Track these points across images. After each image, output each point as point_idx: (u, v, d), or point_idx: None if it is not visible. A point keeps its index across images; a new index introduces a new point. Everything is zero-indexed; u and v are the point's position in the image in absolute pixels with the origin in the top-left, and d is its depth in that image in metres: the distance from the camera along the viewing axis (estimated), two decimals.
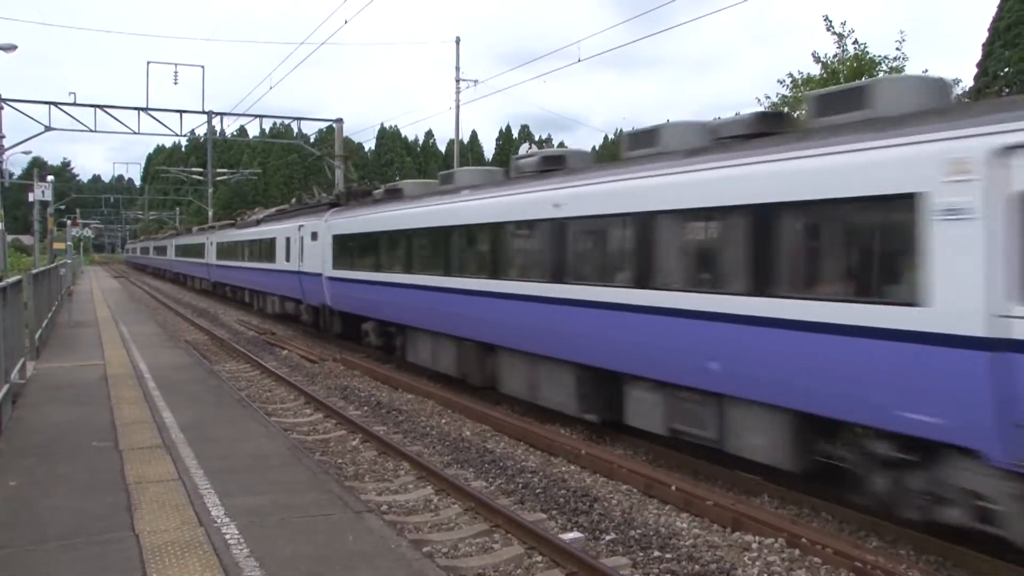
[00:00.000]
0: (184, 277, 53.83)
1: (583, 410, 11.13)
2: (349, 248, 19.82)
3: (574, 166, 12.45)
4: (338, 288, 20.40)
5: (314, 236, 22.31)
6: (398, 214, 16.96)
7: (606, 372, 10.53)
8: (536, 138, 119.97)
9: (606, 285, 10.36)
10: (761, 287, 8.11)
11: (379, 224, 17.90)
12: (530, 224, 12.13)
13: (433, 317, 15.07)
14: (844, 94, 8.33)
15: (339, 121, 38.41)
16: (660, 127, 10.58)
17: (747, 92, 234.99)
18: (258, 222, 31.44)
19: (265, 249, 28.16)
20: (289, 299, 25.72)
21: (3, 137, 36.00)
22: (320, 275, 21.51)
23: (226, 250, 36.52)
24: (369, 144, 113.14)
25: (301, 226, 23.76)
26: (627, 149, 11.01)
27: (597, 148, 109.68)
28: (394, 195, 18.63)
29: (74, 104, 33.36)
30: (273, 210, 33.18)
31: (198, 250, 45.49)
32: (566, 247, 11.23)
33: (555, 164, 12.74)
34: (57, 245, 55.11)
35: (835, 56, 21.41)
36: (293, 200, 31.77)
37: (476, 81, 34.53)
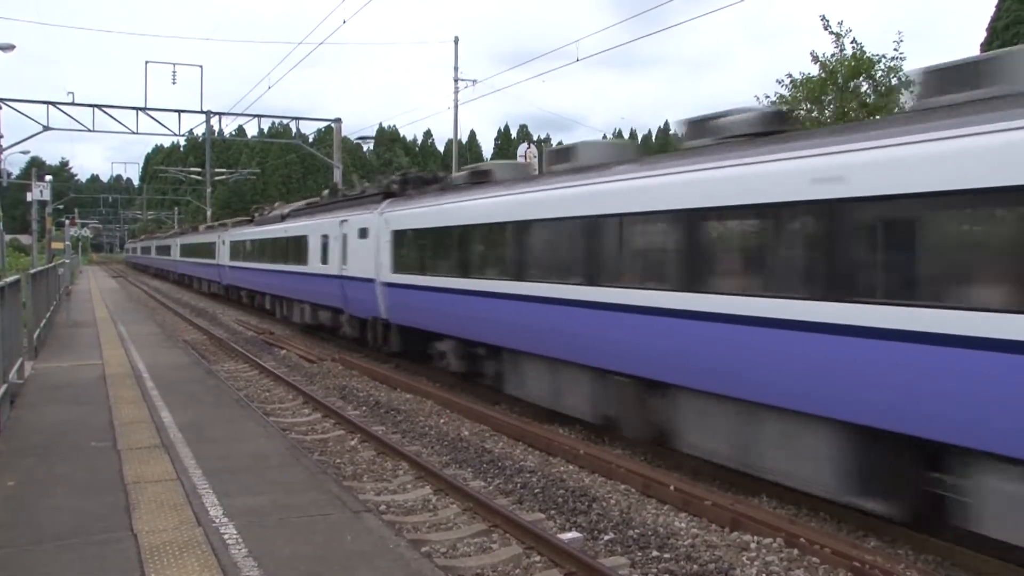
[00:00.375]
0: (190, 279, 49.77)
1: (855, 491, 7.42)
2: (418, 247, 15.96)
3: (794, 127, 9.02)
4: (400, 297, 16.59)
5: (362, 233, 18.58)
6: (497, 202, 13.00)
7: (917, 441, 6.81)
8: (535, 138, 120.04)
9: (965, 308, 6.41)
10: None
11: (466, 215, 13.95)
12: (763, 211, 8.14)
13: (559, 340, 11.26)
14: None
15: (338, 121, 38.48)
16: (1004, 54, 7.14)
17: (746, 92, 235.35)
18: (283, 217, 27.38)
19: (294, 249, 24.32)
20: (325, 308, 21.86)
21: (1, 137, 36.04)
22: (372, 281, 17.76)
23: (243, 250, 32.54)
24: (368, 144, 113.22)
25: (344, 221, 19.97)
26: (928, 94, 7.45)
27: None
28: (481, 179, 14.82)
29: (72, 104, 33.42)
30: (302, 203, 29.17)
31: (208, 250, 41.10)
32: (849, 245, 7.29)
33: (779, 124, 9.20)
34: (55, 245, 55.08)
35: (833, 56, 21.48)
36: (325, 192, 27.55)
37: (475, 81, 34.59)
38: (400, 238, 16.70)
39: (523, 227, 12.14)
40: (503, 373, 13.23)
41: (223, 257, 36.75)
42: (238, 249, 33.67)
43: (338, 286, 20.12)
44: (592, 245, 10.60)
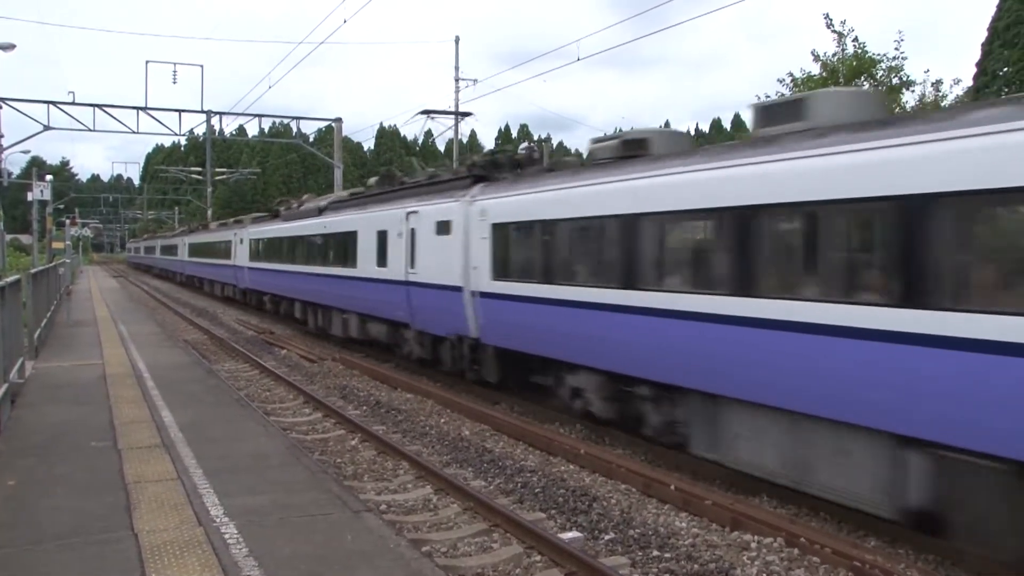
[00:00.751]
0: (200, 281, 45.69)
1: None
2: (541, 245, 12.00)
3: None
4: (504, 312, 12.90)
5: (442, 227, 14.90)
6: (696, 179, 9.04)
7: None
8: (535, 137, 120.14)
9: None
10: None
11: (637, 200, 9.94)
12: None
13: (823, 389, 7.48)
14: None
15: (338, 120, 38.56)
16: None
17: (746, 92, 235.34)
18: (320, 211, 23.13)
19: (337, 247, 20.64)
20: (379, 320, 18.13)
21: (2, 136, 36.10)
22: (459, 289, 14.14)
23: (267, 249, 28.51)
24: (368, 144, 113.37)
25: (412, 212, 16.17)
26: None
27: None
28: (636, 150, 10.94)
29: (73, 103, 33.63)
30: (345, 193, 25.31)
31: (222, 249, 36.75)
32: None
33: None
34: (56, 244, 55.13)
35: (834, 55, 21.53)
36: (372, 181, 23.00)
37: (475, 80, 34.73)
38: (507, 234, 12.95)
39: (749, 217, 8.26)
40: (687, 425, 9.51)
41: (241, 257, 32.65)
42: (260, 248, 29.50)
43: (402, 294, 16.42)
44: (905, 242, 6.79)
